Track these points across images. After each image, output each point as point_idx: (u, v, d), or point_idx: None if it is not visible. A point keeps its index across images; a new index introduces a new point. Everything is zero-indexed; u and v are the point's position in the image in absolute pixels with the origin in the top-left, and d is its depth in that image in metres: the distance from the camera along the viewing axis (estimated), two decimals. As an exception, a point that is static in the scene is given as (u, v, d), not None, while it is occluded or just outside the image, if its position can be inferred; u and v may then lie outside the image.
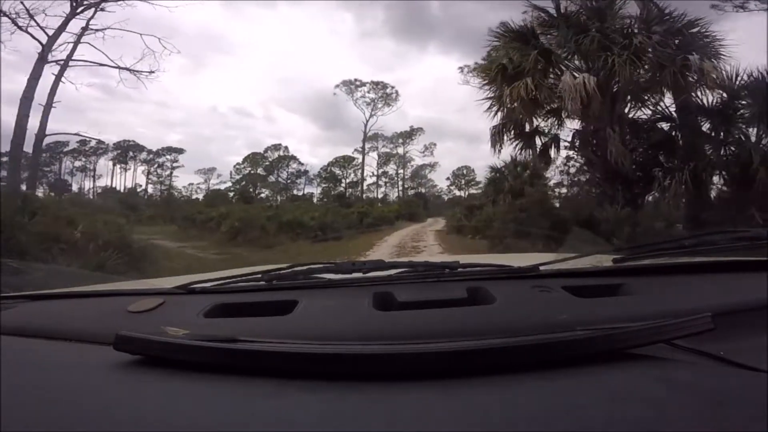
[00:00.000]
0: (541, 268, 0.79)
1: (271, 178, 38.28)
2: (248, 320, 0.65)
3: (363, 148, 35.84)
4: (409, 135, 39.41)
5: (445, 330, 0.56)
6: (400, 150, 38.78)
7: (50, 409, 0.41)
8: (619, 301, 0.68)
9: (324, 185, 38.03)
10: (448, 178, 41.21)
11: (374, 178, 39.97)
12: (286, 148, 39.11)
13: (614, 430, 0.36)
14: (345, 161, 37.37)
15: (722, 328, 0.49)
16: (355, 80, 34.48)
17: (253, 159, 38.46)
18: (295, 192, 37.80)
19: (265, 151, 38.55)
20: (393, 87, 34.63)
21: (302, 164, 39.19)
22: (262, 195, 36.47)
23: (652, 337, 0.48)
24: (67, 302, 0.83)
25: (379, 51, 46.04)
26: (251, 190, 36.71)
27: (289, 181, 38.44)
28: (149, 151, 37.61)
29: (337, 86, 35.03)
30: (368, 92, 34.22)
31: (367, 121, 35.47)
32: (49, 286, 1.22)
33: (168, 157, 37.41)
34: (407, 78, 54.55)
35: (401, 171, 40.94)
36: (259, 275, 0.80)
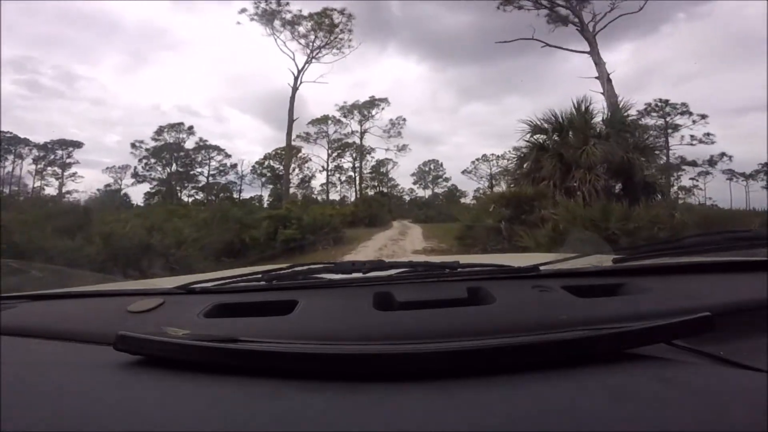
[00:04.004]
0: (541, 268, 0.79)
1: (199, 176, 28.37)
2: (248, 320, 0.65)
3: (290, 112, 22.76)
4: (370, 106, 28.94)
5: (445, 330, 0.56)
6: (357, 138, 29.00)
7: (50, 409, 0.41)
8: (619, 301, 0.68)
9: (270, 185, 29.29)
10: (413, 174, 34.35)
11: (324, 175, 30.19)
12: (190, 128, 29.44)
13: (614, 430, 0.36)
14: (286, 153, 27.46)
15: (722, 328, 0.49)
16: None
17: (167, 150, 28.72)
18: (234, 194, 29.11)
19: (159, 132, 28.78)
20: (344, 11, 21.49)
21: (228, 155, 30.06)
22: (198, 197, 28.42)
23: (652, 337, 0.48)
24: (67, 302, 0.83)
25: (338, 51, 46.62)
26: (179, 190, 28.08)
27: (211, 177, 29.52)
28: (36, 145, 28.90)
29: (243, 11, 21.31)
30: (304, 27, 21.42)
31: (300, 71, 22.77)
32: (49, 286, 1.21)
33: (62, 152, 29.23)
34: (366, 79, 55.06)
35: (358, 164, 31.06)
36: (259, 275, 0.80)
